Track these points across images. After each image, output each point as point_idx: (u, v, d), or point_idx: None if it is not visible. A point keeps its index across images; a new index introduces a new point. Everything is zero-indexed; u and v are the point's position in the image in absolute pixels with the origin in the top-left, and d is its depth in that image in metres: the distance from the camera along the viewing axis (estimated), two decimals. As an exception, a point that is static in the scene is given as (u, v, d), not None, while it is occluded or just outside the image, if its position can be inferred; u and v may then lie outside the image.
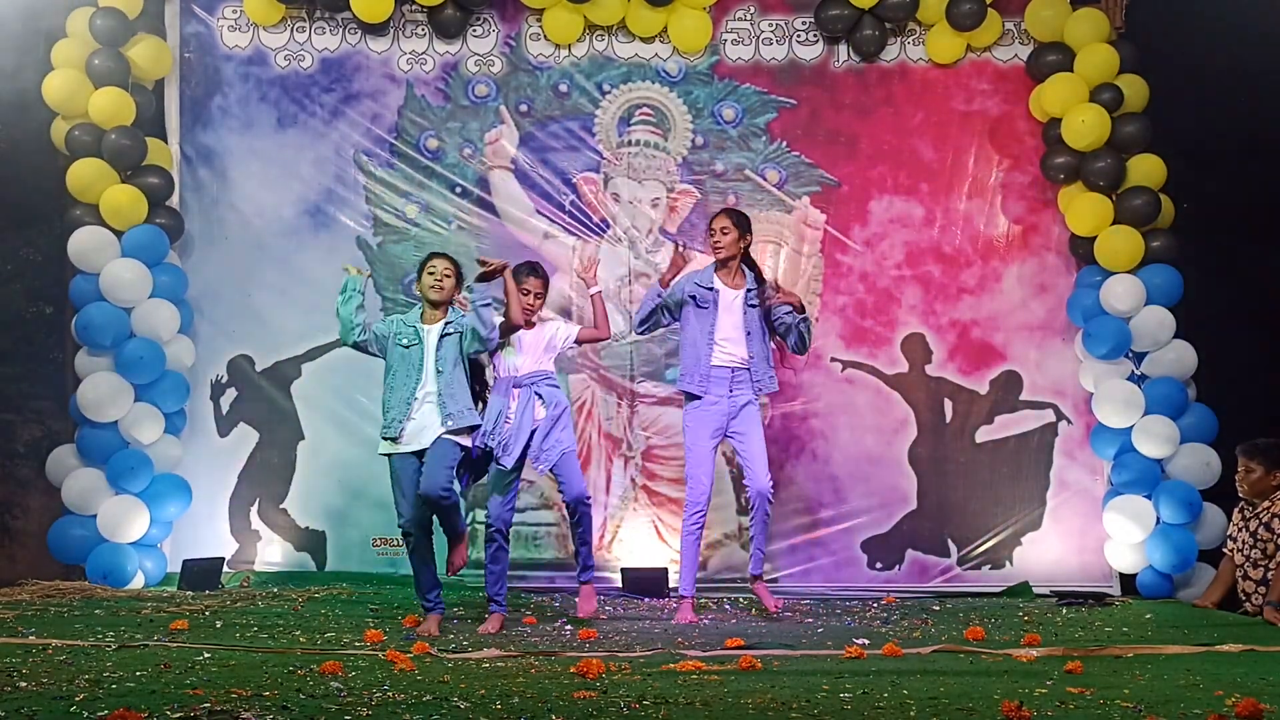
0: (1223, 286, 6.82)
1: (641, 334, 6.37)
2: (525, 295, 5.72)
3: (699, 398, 5.86)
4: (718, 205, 7.15)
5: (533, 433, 5.62)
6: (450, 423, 5.39)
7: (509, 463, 5.55)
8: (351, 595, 6.49)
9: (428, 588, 5.46)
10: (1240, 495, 5.94)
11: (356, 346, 5.58)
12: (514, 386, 5.67)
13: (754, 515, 5.89)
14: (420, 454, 5.40)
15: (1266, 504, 5.79)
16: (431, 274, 5.55)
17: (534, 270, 5.83)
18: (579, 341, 5.96)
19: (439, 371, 5.42)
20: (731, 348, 5.84)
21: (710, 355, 5.84)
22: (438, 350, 5.46)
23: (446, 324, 5.52)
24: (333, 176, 7.24)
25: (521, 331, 5.76)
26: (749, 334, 5.84)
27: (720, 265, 5.93)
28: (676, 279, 5.95)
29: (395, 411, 5.42)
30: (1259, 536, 5.78)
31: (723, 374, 5.84)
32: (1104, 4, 6.99)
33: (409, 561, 5.49)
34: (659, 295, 5.95)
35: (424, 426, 5.40)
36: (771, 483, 5.87)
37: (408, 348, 5.48)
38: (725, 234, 5.85)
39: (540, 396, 5.66)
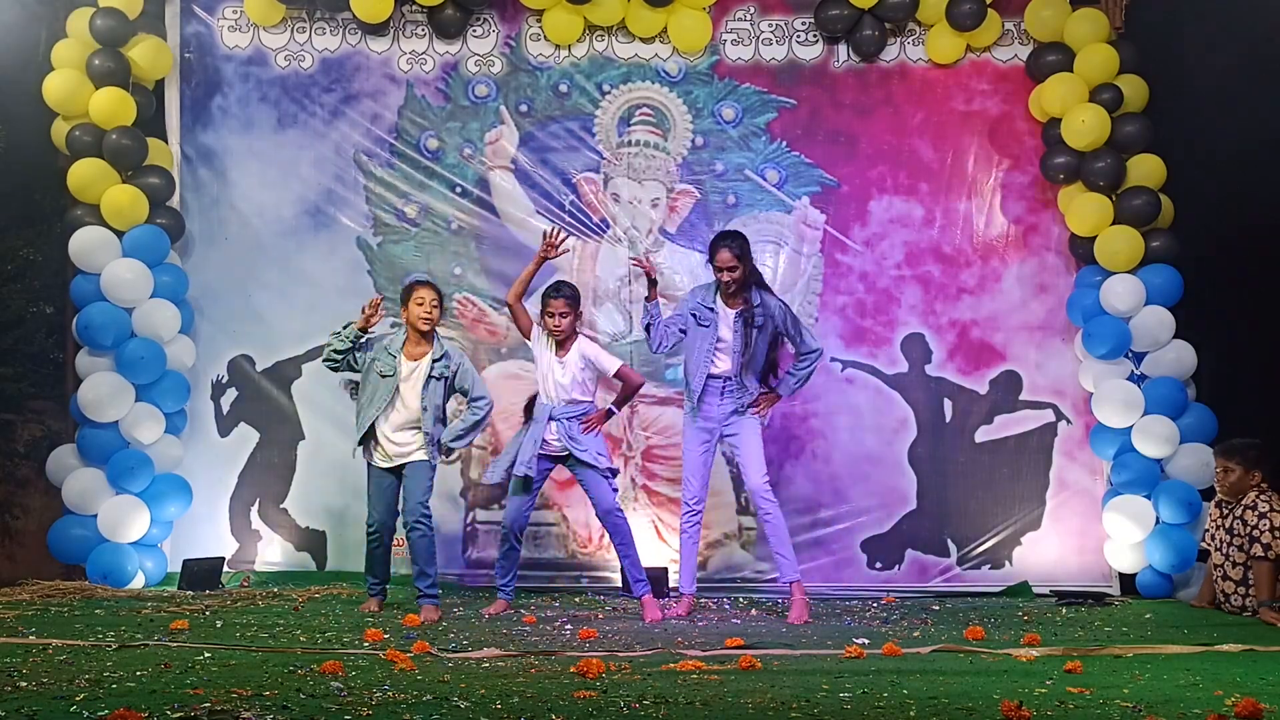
0: (1223, 286, 6.82)
1: (658, 352, 6.33)
2: (550, 317, 5.93)
3: (696, 406, 6.02)
4: (718, 205, 7.17)
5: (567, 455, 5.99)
6: (430, 447, 5.85)
7: (523, 471, 5.92)
8: (351, 595, 6.49)
9: (380, 575, 6.01)
10: (1219, 495, 5.96)
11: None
12: (550, 419, 5.95)
13: (758, 518, 6.08)
14: (397, 470, 5.89)
15: (1242, 500, 5.82)
16: (421, 304, 5.83)
17: (558, 290, 6.01)
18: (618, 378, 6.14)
19: (424, 409, 5.83)
20: (725, 360, 5.97)
21: (709, 368, 6.00)
22: (424, 389, 5.82)
23: (434, 362, 5.84)
24: (333, 176, 7.24)
25: (550, 356, 5.96)
26: (742, 349, 5.93)
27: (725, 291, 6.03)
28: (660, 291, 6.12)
29: (364, 425, 5.85)
30: (1235, 532, 5.80)
31: (715, 384, 5.99)
32: (1104, 4, 6.99)
33: (370, 553, 6.00)
34: (657, 315, 6.05)
35: (403, 450, 5.85)
36: (767, 481, 5.96)
37: (383, 377, 5.83)
38: (734, 272, 5.91)
39: (574, 439, 5.94)
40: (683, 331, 6.07)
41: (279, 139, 7.26)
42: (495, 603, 6.06)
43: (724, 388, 6.00)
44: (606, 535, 6.32)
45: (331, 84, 7.25)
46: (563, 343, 5.99)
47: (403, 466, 5.88)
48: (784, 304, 6.14)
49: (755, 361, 5.97)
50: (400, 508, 5.91)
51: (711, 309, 6.02)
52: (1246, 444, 5.89)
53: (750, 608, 6.41)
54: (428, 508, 5.85)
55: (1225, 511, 5.92)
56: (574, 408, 5.98)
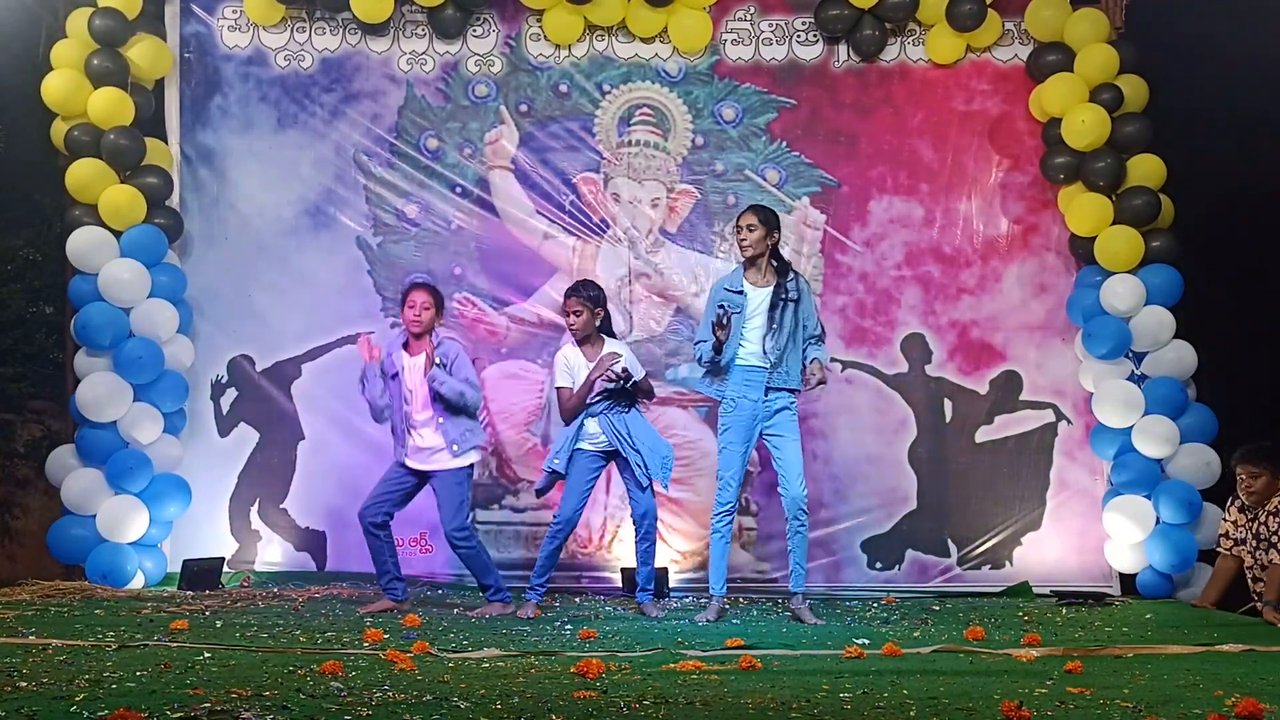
0: (1223, 286, 6.83)
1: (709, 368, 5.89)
2: (565, 316, 5.90)
3: (735, 400, 5.70)
4: (718, 205, 7.17)
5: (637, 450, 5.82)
6: (455, 448, 5.80)
7: (665, 481, 5.90)
8: (351, 595, 6.49)
9: (392, 569, 5.95)
10: (1247, 503, 5.91)
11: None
12: (587, 416, 5.82)
13: (790, 527, 5.76)
14: (421, 475, 5.87)
15: (1267, 506, 5.80)
16: (411, 308, 5.85)
17: (575, 289, 5.92)
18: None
19: (433, 397, 5.79)
20: (753, 345, 5.67)
21: (738, 356, 5.69)
22: (427, 378, 5.80)
23: (436, 349, 5.83)
24: (333, 176, 7.24)
25: (581, 358, 5.85)
26: (778, 331, 5.66)
27: (748, 264, 5.77)
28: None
29: (398, 434, 5.90)
30: (1261, 536, 5.79)
31: (755, 375, 5.67)
32: (1104, 4, 6.99)
33: (370, 546, 5.96)
34: (713, 359, 5.69)
35: (427, 448, 5.84)
36: (806, 492, 5.73)
37: (393, 377, 5.85)
38: (752, 231, 5.68)
39: (617, 426, 5.82)
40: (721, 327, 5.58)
41: (279, 139, 7.26)
42: (527, 604, 5.88)
43: (766, 379, 5.64)
44: (625, 532, 6.23)
45: (331, 84, 7.25)
46: (586, 341, 5.91)
47: (429, 476, 5.87)
48: (812, 295, 5.86)
49: (793, 339, 5.64)
50: (441, 523, 5.91)
51: (739, 292, 5.72)
52: (1271, 448, 5.82)
53: (750, 608, 6.40)
54: (465, 528, 5.86)
55: (1250, 516, 5.90)
56: (605, 400, 5.80)
